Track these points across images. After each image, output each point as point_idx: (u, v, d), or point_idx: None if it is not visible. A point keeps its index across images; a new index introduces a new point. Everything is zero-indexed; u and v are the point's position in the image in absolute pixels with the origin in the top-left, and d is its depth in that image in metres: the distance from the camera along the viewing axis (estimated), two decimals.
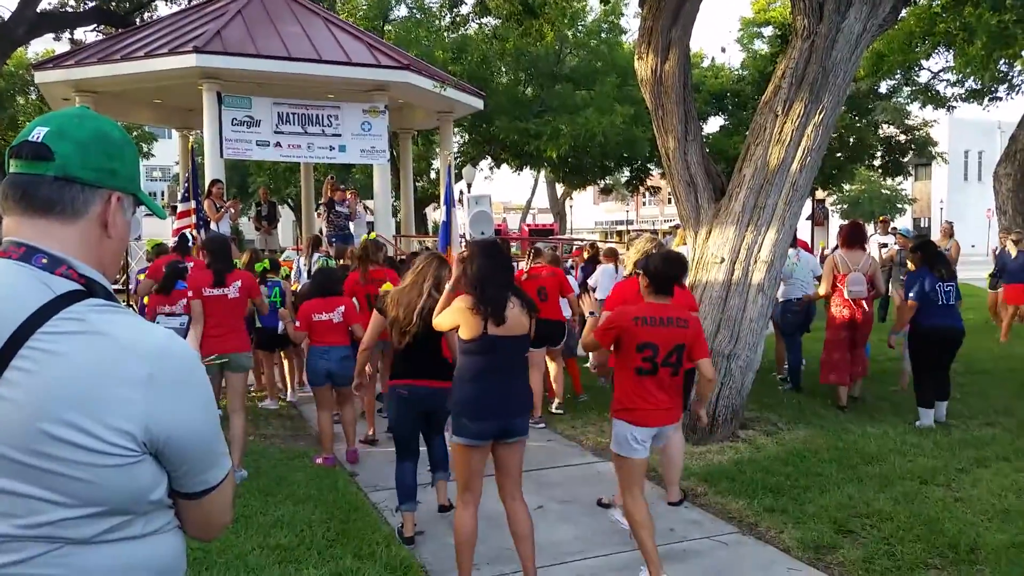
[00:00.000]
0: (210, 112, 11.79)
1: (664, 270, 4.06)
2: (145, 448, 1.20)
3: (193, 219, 10.47)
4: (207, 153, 11.96)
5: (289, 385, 8.58)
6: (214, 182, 11.54)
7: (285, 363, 8.60)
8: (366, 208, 12.42)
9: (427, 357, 4.57)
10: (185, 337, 5.67)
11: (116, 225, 1.33)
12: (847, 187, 35.00)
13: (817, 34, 6.39)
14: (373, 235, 7.28)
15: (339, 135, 12.49)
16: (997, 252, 12.94)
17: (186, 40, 11.79)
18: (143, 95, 14.12)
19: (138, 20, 19.20)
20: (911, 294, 6.88)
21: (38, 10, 18.44)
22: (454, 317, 3.79)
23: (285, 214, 26.26)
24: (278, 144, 12.19)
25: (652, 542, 3.88)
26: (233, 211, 11.61)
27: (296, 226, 17.97)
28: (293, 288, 8.66)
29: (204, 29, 12.10)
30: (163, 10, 20.59)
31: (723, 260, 6.54)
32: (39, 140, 1.26)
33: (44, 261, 1.23)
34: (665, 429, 4.12)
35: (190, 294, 5.85)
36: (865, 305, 7.65)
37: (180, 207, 10.66)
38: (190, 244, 8.58)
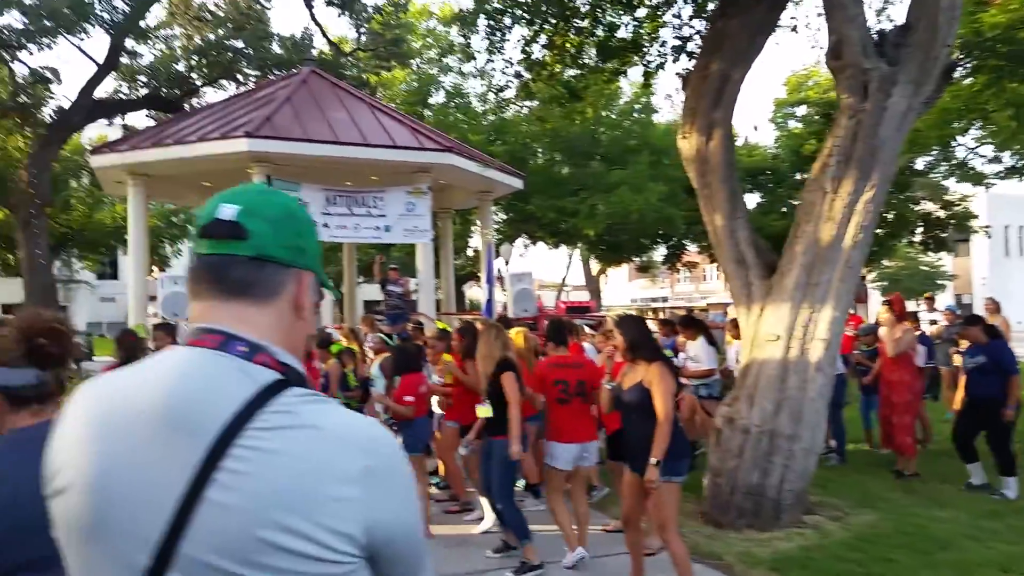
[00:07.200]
0: None
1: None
2: (363, 553, 1.07)
3: None
4: None
5: None
6: None
7: None
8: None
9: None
10: None
11: (307, 307, 1.24)
12: (886, 263, 34.67)
13: (863, 111, 6.41)
14: (444, 325, 7.72)
15: (384, 215, 12.70)
16: None
17: (237, 125, 12.16)
18: (193, 178, 14.51)
19: (187, 107, 20.03)
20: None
21: (93, 97, 19.35)
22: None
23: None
24: (326, 225, 12.38)
25: None
26: None
27: (335, 305, 18.08)
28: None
29: (254, 115, 12.50)
30: (211, 96, 21.46)
31: (778, 338, 6.42)
32: (232, 218, 1.16)
33: (243, 349, 1.12)
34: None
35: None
36: None
37: None
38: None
